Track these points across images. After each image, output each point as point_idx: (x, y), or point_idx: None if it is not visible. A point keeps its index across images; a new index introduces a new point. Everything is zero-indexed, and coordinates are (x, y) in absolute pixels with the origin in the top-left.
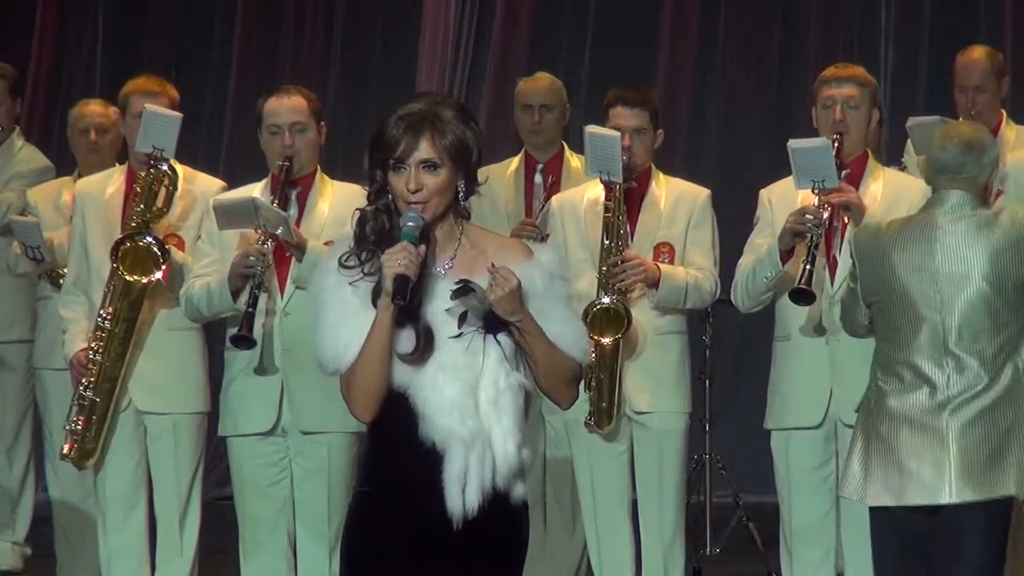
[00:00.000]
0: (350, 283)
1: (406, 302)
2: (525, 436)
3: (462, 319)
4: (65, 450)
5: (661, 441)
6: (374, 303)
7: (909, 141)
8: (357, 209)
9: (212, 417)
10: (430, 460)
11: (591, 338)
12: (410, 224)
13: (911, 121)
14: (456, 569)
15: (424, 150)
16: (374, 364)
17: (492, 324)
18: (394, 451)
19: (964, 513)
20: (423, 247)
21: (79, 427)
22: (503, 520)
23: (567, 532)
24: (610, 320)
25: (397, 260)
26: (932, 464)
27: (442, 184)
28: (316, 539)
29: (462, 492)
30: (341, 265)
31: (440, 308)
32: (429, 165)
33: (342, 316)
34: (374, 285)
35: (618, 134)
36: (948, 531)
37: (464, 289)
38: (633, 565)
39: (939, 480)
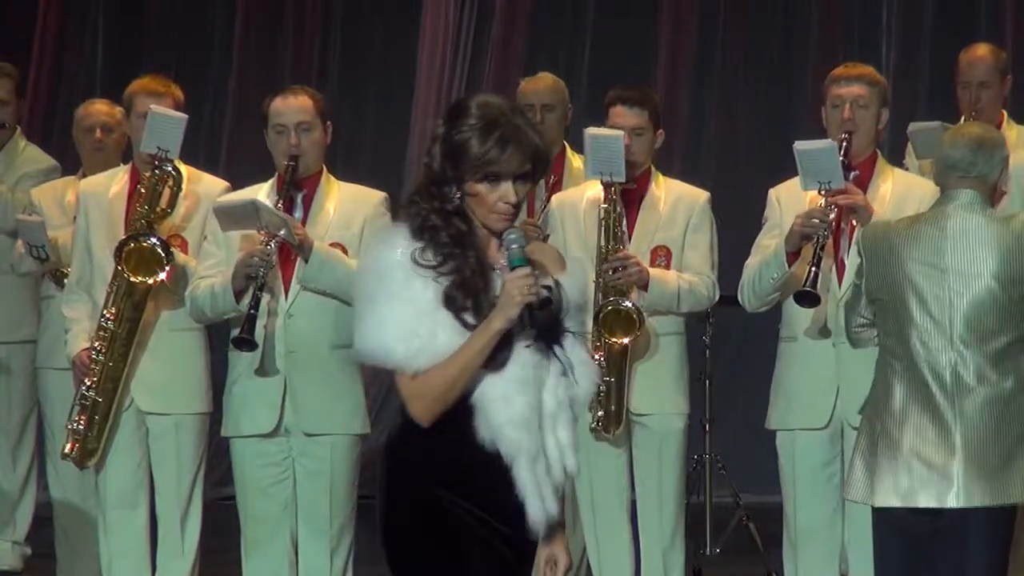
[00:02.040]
0: (431, 280)
1: (535, 327)
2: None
3: (537, 332)
4: (67, 449)
5: (660, 442)
6: (449, 306)
7: (909, 137)
8: (412, 202)
9: (213, 418)
10: (494, 469)
11: (604, 338)
12: (515, 247)
13: (912, 127)
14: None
15: (520, 163)
16: (466, 378)
17: (552, 336)
18: (457, 456)
19: (970, 515)
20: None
21: (81, 427)
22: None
23: (567, 532)
24: (620, 322)
25: (526, 286)
26: (939, 466)
27: (527, 194)
28: (318, 539)
29: (542, 500)
30: (416, 262)
31: None
32: (523, 178)
33: (414, 313)
34: (447, 289)
35: (621, 133)
36: (953, 533)
37: (548, 301)
38: (632, 566)
39: (947, 482)
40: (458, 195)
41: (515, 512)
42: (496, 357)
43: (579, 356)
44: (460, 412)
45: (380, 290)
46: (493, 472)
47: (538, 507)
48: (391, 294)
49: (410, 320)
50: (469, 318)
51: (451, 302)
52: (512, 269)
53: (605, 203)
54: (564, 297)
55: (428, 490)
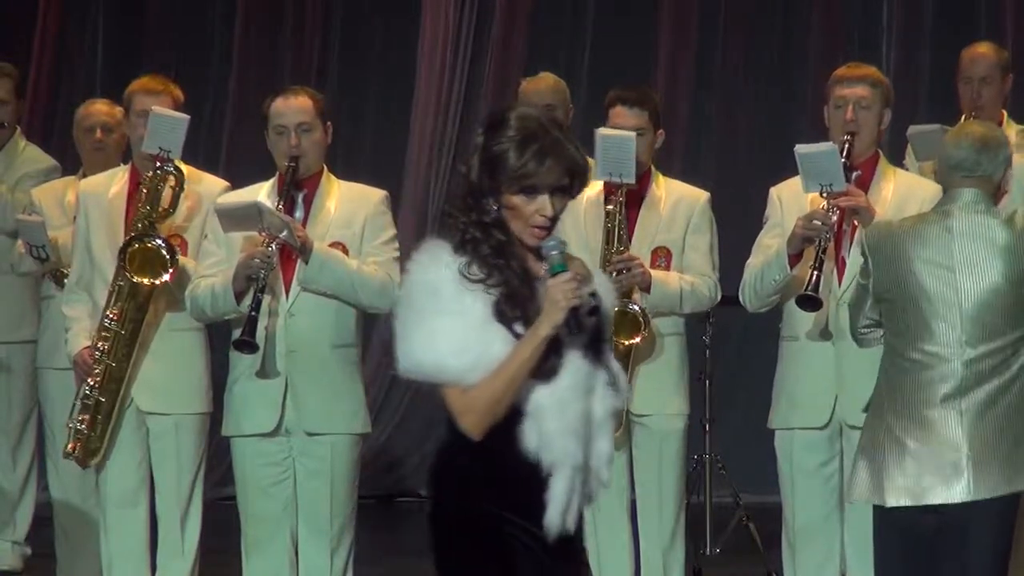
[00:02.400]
0: (483, 293)
1: (581, 332)
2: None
3: (585, 337)
4: (69, 448)
5: (660, 442)
6: (500, 319)
7: (908, 140)
8: (449, 215)
9: (214, 418)
10: (534, 478)
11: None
12: (555, 254)
13: (911, 130)
14: None
15: (558, 177)
16: (516, 388)
17: (600, 344)
18: (511, 468)
19: (972, 511)
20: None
21: (83, 426)
22: (579, 534)
23: None
24: (626, 324)
25: (571, 291)
26: (947, 463)
27: (564, 207)
28: (318, 539)
29: (563, 512)
30: (466, 277)
31: None
32: (561, 191)
33: (466, 328)
34: (497, 301)
35: (632, 134)
36: (956, 527)
37: (597, 309)
38: (632, 566)
39: (957, 479)
40: (496, 207)
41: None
42: (547, 366)
43: (617, 365)
44: (513, 423)
45: (430, 306)
46: (532, 480)
47: (557, 519)
48: (442, 310)
49: (463, 334)
50: (519, 328)
51: (502, 314)
52: (553, 275)
53: (610, 204)
54: (604, 306)
55: (480, 506)
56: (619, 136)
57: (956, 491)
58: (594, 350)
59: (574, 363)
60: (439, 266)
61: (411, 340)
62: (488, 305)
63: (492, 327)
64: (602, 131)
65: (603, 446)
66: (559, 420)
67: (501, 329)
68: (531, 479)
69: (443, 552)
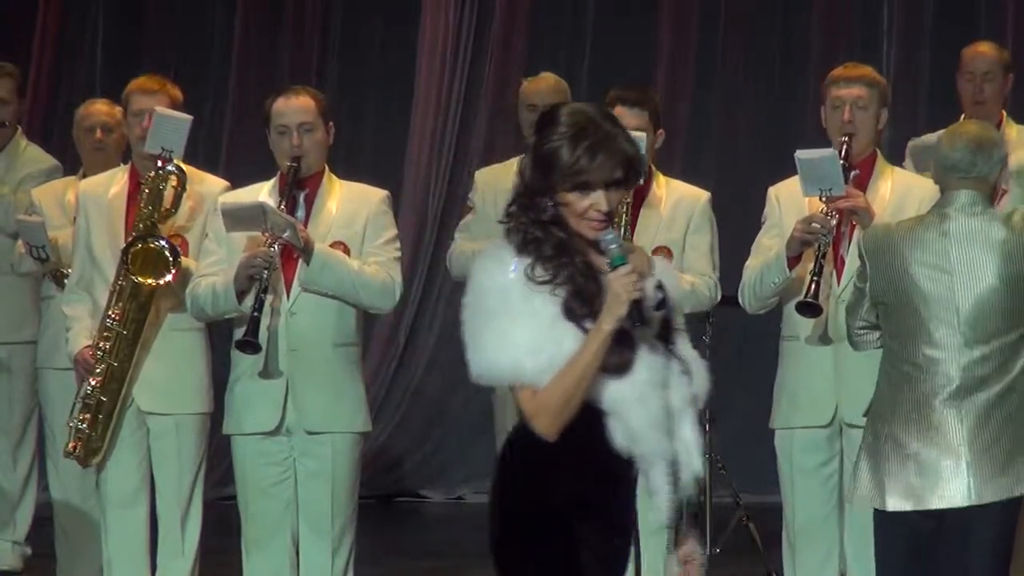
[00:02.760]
0: (551, 294)
1: (644, 324)
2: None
3: (655, 330)
4: (69, 447)
5: None
6: (570, 317)
7: (908, 153)
8: (510, 216)
9: (214, 417)
10: (620, 478)
11: None
12: (614, 247)
13: (912, 144)
14: None
15: (612, 171)
16: (586, 385)
17: (669, 335)
18: (585, 464)
19: (973, 514)
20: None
21: (84, 425)
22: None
23: None
24: None
25: (631, 284)
26: (949, 466)
27: (620, 201)
28: (319, 539)
29: (667, 506)
30: (531, 279)
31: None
32: (615, 185)
33: (538, 329)
34: (566, 300)
35: (643, 134)
36: (957, 530)
37: (664, 302)
38: (633, 566)
39: (958, 482)
40: (552, 205)
41: (633, 524)
42: (620, 361)
43: (691, 353)
44: (588, 422)
45: (500, 309)
46: (619, 482)
47: (665, 513)
48: (512, 312)
49: (535, 335)
50: (589, 325)
51: (571, 312)
52: (614, 268)
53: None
54: (670, 297)
55: (550, 507)
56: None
57: (956, 496)
58: (665, 341)
59: (647, 356)
60: (505, 269)
61: (483, 344)
62: (557, 305)
63: (562, 326)
64: None
65: (687, 436)
66: (643, 414)
67: (571, 327)
68: (607, 477)
69: (506, 552)
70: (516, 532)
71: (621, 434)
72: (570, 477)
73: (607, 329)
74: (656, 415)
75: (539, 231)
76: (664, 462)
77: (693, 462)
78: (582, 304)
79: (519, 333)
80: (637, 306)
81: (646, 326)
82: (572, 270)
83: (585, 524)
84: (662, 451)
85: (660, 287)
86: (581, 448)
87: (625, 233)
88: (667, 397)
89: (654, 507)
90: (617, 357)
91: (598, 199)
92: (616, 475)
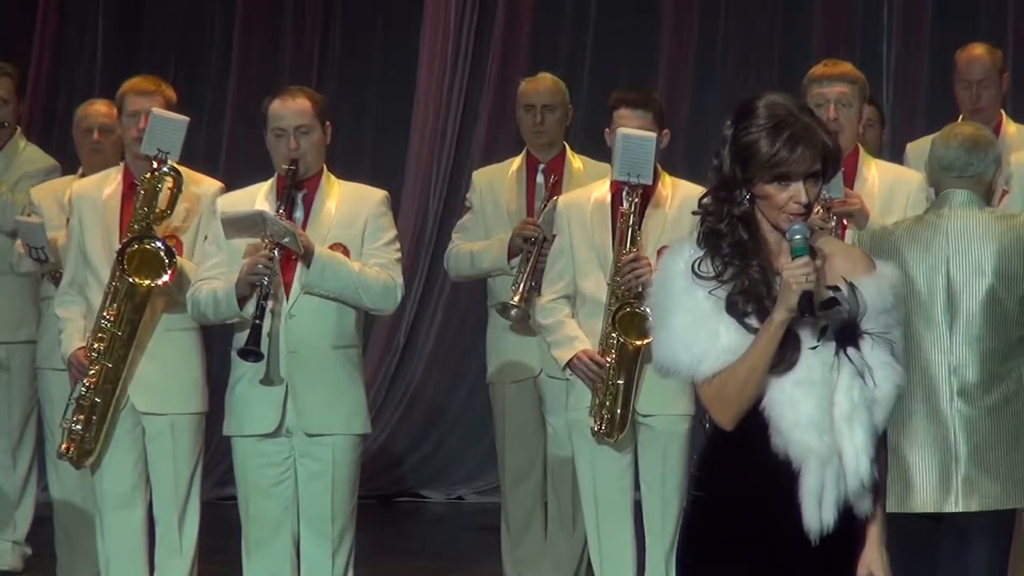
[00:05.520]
0: (710, 291)
1: (813, 316)
2: (876, 451)
3: (822, 332)
4: (63, 448)
5: (665, 443)
6: (732, 312)
7: (907, 154)
8: (703, 206)
9: (211, 417)
10: (782, 474)
11: (618, 339)
12: (797, 238)
13: (911, 147)
14: None
15: (811, 163)
16: (760, 376)
17: (846, 338)
18: (742, 462)
19: (973, 514)
20: (818, 260)
21: (78, 427)
22: (850, 535)
23: (567, 531)
24: (636, 324)
25: (804, 275)
26: (938, 470)
27: (819, 193)
28: (319, 540)
29: (819, 508)
30: (695, 273)
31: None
32: (813, 177)
33: (695, 321)
34: (730, 295)
35: (654, 135)
36: (954, 534)
37: (833, 301)
38: (635, 566)
39: (946, 488)
40: (747, 197)
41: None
42: (783, 360)
43: (880, 358)
44: (755, 424)
45: (665, 302)
46: (781, 475)
47: (814, 515)
48: (675, 305)
49: (691, 328)
50: (752, 322)
51: (732, 307)
52: (793, 259)
53: (624, 205)
54: (861, 300)
55: (721, 500)
56: (641, 136)
57: (945, 503)
58: (840, 343)
59: (808, 357)
60: (676, 260)
61: (655, 337)
62: (718, 299)
63: (721, 319)
64: (623, 131)
65: (857, 437)
66: (793, 414)
67: (732, 322)
68: (770, 476)
69: (687, 544)
70: (697, 523)
71: (776, 435)
72: (734, 470)
73: (779, 319)
74: (807, 415)
75: (725, 226)
76: (818, 464)
77: (860, 467)
78: (746, 301)
79: (678, 325)
80: (808, 298)
81: (817, 320)
82: (741, 271)
83: (748, 518)
84: (815, 452)
85: (836, 289)
86: (748, 442)
87: (636, 235)
88: (830, 398)
89: (802, 510)
90: (780, 356)
91: (797, 191)
92: (776, 474)
